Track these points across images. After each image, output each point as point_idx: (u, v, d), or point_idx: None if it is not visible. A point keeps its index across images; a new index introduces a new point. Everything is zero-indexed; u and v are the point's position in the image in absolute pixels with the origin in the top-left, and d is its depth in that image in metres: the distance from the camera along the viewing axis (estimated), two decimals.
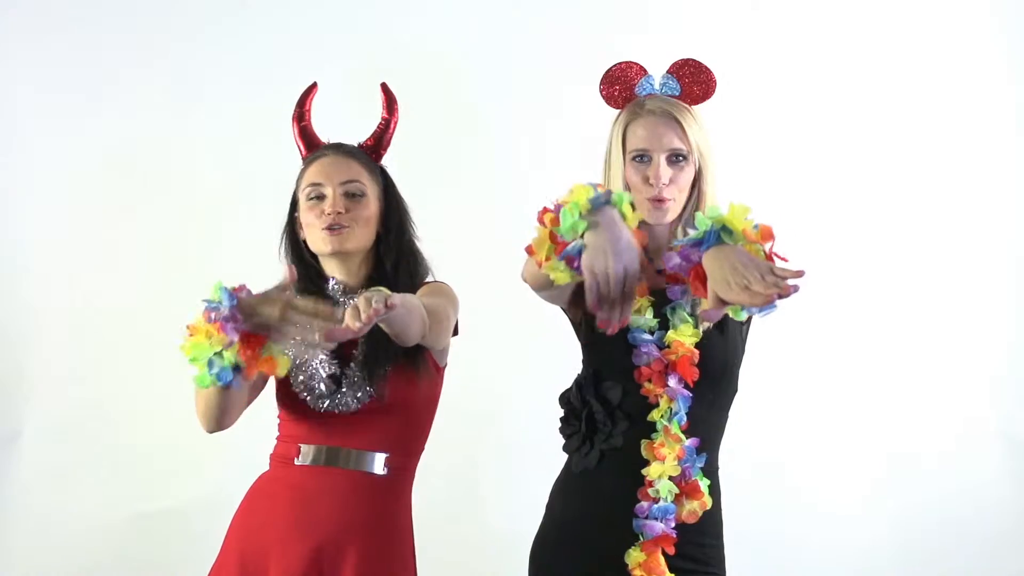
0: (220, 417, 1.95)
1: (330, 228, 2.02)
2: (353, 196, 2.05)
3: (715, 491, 1.95)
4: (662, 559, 1.87)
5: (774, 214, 2.98)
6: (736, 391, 2.00)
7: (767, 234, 1.65)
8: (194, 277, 3.32)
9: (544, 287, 1.79)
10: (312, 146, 2.15)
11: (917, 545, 3.40)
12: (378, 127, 2.17)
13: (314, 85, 2.19)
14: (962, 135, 3.47)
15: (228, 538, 2.09)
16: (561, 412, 2.04)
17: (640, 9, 3.36)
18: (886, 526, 3.41)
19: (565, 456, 2.04)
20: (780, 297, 1.50)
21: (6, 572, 3.32)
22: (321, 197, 2.05)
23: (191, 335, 1.77)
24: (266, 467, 2.15)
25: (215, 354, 1.73)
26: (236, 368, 1.73)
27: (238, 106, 3.41)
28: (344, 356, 2.03)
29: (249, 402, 2.05)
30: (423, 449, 2.13)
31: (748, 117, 3.27)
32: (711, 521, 1.94)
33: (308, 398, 2.03)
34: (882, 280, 3.45)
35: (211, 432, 2.00)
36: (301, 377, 2.03)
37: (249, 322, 1.70)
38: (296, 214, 2.13)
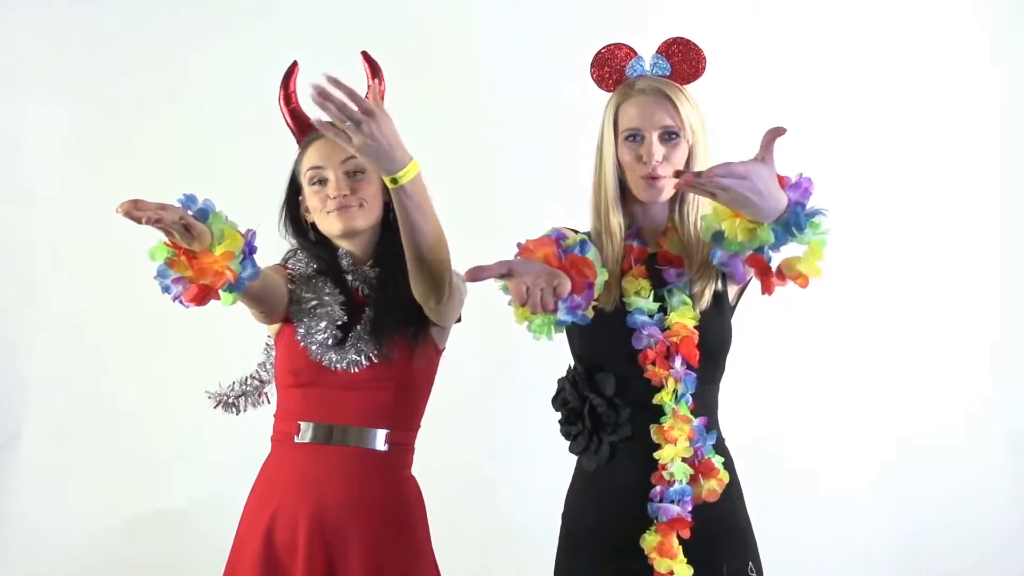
0: (263, 299, 1.96)
1: (338, 209, 2.02)
2: (355, 174, 2.04)
3: (730, 467, 1.95)
4: (676, 542, 1.85)
5: None
6: (724, 368, 2.00)
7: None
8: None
9: None
10: (305, 128, 2.12)
11: (918, 537, 3.40)
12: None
13: (295, 64, 2.16)
14: (964, 124, 3.47)
15: (242, 522, 2.09)
16: (558, 416, 2.02)
17: (641, 7, 3.38)
18: (888, 518, 3.40)
19: (569, 453, 2.01)
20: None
21: (6, 572, 3.31)
22: (323, 181, 2.04)
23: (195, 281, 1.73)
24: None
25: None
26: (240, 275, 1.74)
27: (240, 104, 3.42)
28: (352, 320, 2.04)
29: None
30: (420, 425, 2.13)
31: (746, 106, 3.27)
32: (732, 492, 1.93)
33: (312, 350, 2.02)
34: (886, 275, 3.45)
35: (269, 320, 2.04)
36: (311, 327, 2.03)
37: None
38: (300, 197, 2.12)
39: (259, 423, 3.14)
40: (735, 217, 1.67)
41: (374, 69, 2.13)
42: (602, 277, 1.76)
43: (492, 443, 3.34)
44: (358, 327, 2.03)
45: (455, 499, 3.07)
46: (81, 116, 3.44)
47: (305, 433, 2.03)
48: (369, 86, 1.64)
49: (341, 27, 3.40)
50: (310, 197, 2.07)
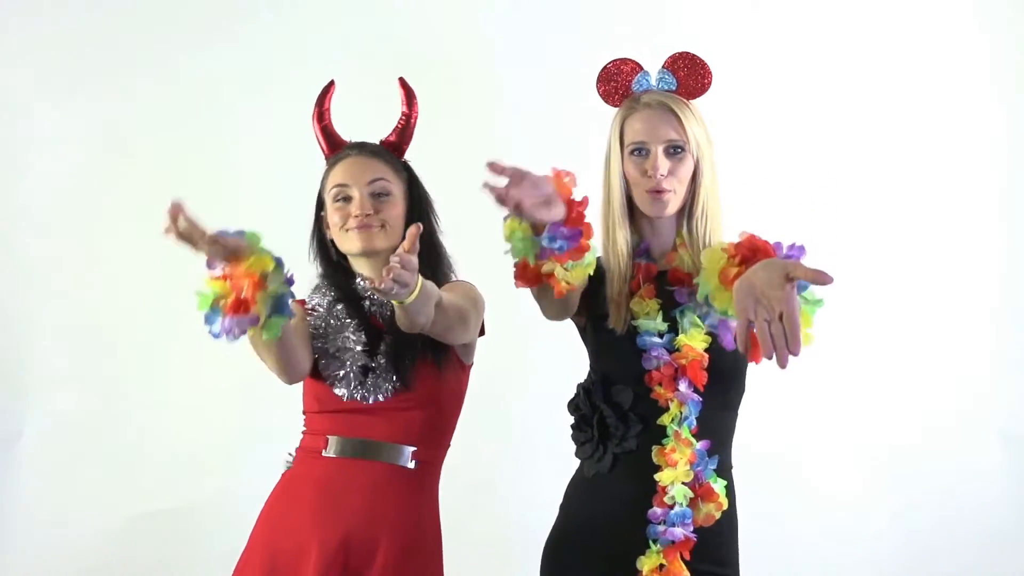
0: (293, 360, 1.95)
1: (359, 228, 2.03)
2: (380, 196, 2.05)
3: (730, 491, 1.95)
4: (682, 564, 1.86)
5: (773, 208, 3.04)
6: (744, 390, 2.00)
7: (742, 250, 1.65)
8: (195, 277, 3.36)
9: (564, 313, 1.90)
10: (335, 145, 2.14)
11: (917, 538, 3.40)
12: (399, 123, 2.17)
13: (332, 83, 2.18)
14: (961, 129, 3.47)
15: (253, 537, 2.08)
16: (571, 419, 2.03)
17: (641, 10, 3.37)
18: (887, 519, 3.41)
19: (567, 459, 2.03)
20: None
21: (6, 572, 3.31)
22: (348, 199, 2.05)
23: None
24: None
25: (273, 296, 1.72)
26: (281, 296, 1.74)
27: (244, 105, 3.41)
28: (372, 349, 2.04)
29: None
30: (449, 444, 2.14)
31: (749, 115, 3.28)
32: (727, 520, 1.93)
33: (336, 387, 2.03)
34: (881, 276, 3.44)
35: (295, 382, 2.01)
36: (332, 366, 2.04)
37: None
38: (323, 214, 2.13)
39: (260, 423, 3.17)
40: (728, 292, 1.64)
41: (409, 97, 2.16)
42: (592, 255, 1.74)
43: (494, 446, 3.34)
44: (379, 358, 2.03)
45: (455, 500, 3.08)
46: (82, 116, 3.42)
47: (333, 447, 2.03)
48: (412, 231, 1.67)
49: (345, 30, 3.40)
50: (332, 213, 2.08)
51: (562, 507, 2.04)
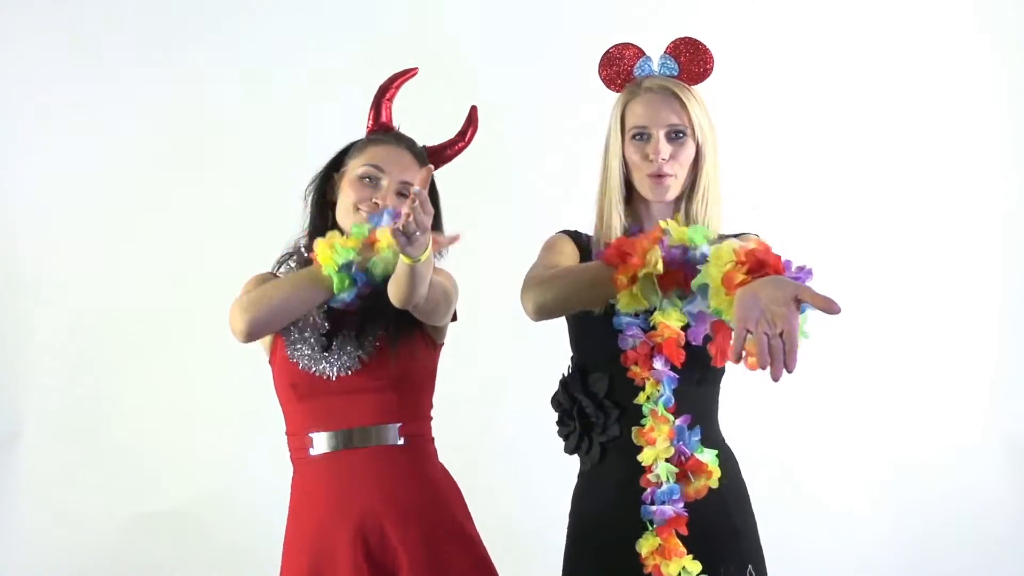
0: (281, 318, 1.98)
1: (370, 212, 2.00)
2: (404, 196, 2.03)
3: (728, 460, 1.94)
4: (678, 541, 1.85)
5: (777, 214, 3.05)
6: (725, 368, 1.96)
7: (749, 258, 1.62)
8: (193, 278, 3.38)
9: (564, 312, 1.88)
10: (380, 125, 2.14)
11: (919, 544, 3.41)
12: (448, 141, 2.17)
13: (415, 71, 2.16)
14: (961, 131, 3.49)
15: (284, 555, 2.06)
16: (555, 415, 2.02)
17: (641, 4, 3.39)
18: (889, 525, 3.41)
19: (567, 455, 2.02)
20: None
21: (6, 572, 3.31)
22: (375, 181, 2.04)
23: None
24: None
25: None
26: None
27: (245, 107, 3.43)
28: (337, 322, 2.03)
29: None
30: (431, 414, 2.12)
31: (752, 102, 3.29)
32: (733, 493, 1.93)
33: (301, 362, 2.02)
34: (886, 280, 3.46)
35: (252, 334, 1.98)
36: (296, 337, 2.03)
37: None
38: (335, 174, 2.11)
39: (258, 423, 3.15)
40: (726, 295, 1.61)
41: (470, 126, 2.16)
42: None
43: (492, 443, 3.34)
44: (345, 331, 2.02)
45: None
46: (81, 115, 3.43)
47: (320, 444, 2.02)
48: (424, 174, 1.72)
49: (347, 27, 3.42)
50: (351, 185, 2.05)
51: (570, 512, 2.03)
